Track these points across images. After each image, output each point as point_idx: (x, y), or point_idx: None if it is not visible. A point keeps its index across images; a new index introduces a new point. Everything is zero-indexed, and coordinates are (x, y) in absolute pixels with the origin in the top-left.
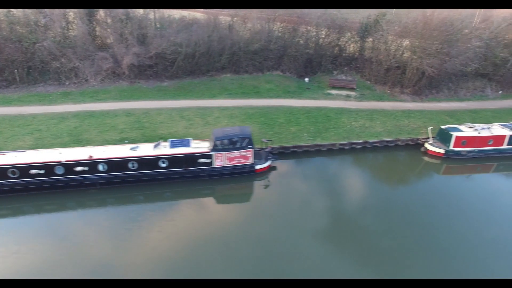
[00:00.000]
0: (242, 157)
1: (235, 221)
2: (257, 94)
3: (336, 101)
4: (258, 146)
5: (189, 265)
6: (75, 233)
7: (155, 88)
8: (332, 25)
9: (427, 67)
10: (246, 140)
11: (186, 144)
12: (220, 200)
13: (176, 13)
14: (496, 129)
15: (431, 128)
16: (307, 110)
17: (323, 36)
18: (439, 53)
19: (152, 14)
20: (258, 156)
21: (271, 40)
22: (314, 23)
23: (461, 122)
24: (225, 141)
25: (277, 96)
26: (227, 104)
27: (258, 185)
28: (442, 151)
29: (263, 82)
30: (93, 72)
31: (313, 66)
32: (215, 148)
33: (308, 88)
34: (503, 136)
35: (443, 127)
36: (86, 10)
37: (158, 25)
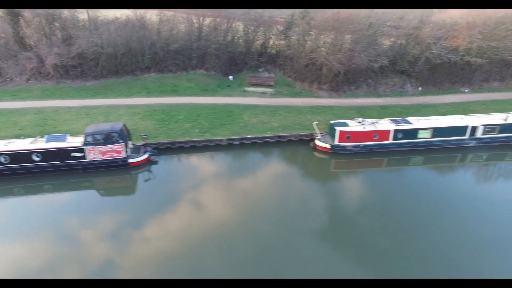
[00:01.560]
0: (114, 151)
1: (103, 212)
2: (175, 92)
3: (249, 98)
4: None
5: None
6: None
7: (78, 87)
8: (256, 22)
9: (335, 62)
10: (116, 135)
11: (62, 139)
12: (99, 192)
13: (111, 14)
14: (382, 124)
15: (317, 123)
16: (213, 107)
17: (247, 33)
18: (347, 49)
19: (83, 14)
20: (136, 150)
21: (192, 39)
22: (231, 19)
23: (368, 117)
24: (96, 136)
25: (193, 94)
26: (138, 102)
27: (132, 178)
28: (328, 146)
29: (184, 81)
30: (17, 71)
31: (237, 64)
32: (87, 143)
33: (228, 86)
34: (388, 131)
35: (332, 122)
36: (8, 10)
37: (84, 26)
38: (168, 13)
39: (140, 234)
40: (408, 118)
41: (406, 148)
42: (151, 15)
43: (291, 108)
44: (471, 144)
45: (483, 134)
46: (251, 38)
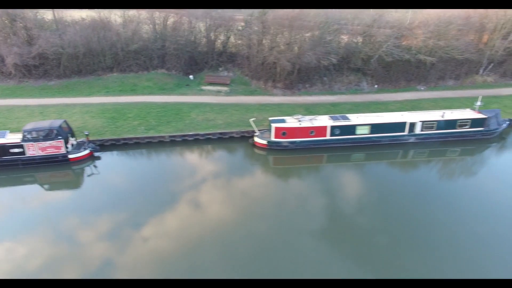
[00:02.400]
0: (54, 147)
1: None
2: (133, 91)
3: (204, 97)
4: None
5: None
6: None
7: (40, 87)
8: (216, 21)
9: (284, 60)
10: (54, 132)
11: (2, 136)
12: (42, 187)
13: (77, 15)
14: (319, 120)
15: (253, 120)
16: (164, 105)
17: (209, 33)
18: (297, 47)
19: (49, 15)
20: (78, 146)
21: (152, 39)
22: (192, 19)
23: (315, 114)
24: (34, 133)
25: (151, 93)
26: (95, 101)
27: (74, 172)
28: (265, 142)
29: (144, 80)
30: None
31: (198, 63)
32: (25, 139)
33: (187, 85)
34: (325, 127)
35: (270, 118)
36: None
37: (49, 26)
38: (132, 13)
39: (80, 227)
40: (348, 115)
41: (345, 144)
42: (115, 16)
43: (240, 106)
44: (410, 140)
45: (422, 130)
46: (212, 38)
